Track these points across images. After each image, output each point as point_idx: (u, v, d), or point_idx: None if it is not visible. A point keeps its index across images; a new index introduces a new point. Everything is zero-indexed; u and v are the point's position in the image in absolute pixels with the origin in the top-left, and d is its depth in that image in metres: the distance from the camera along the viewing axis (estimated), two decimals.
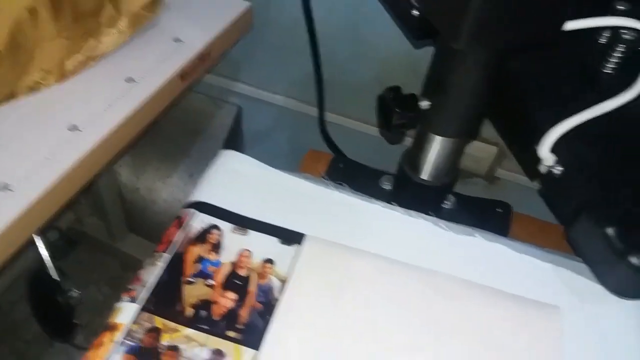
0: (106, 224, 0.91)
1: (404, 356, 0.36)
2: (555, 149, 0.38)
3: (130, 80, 0.52)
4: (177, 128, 0.88)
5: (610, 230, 0.35)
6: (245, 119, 0.85)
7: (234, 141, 0.87)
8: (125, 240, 0.90)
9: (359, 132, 0.74)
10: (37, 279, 0.63)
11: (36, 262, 0.63)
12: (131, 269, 0.40)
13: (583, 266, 0.42)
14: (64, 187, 0.44)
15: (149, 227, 0.86)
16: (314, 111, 0.72)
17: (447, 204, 0.53)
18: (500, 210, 0.55)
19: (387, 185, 0.55)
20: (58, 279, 0.62)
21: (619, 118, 0.39)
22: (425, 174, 0.47)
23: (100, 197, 0.86)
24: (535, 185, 0.41)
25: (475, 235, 0.43)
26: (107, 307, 0.38)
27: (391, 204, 0.45)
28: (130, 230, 0.91)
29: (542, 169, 0.39)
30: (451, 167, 0.47)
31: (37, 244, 0.58)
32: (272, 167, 0.48)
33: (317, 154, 0.63)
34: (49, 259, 0.60)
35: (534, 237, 0.45)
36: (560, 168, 0.38)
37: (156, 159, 0.90)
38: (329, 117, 0.72)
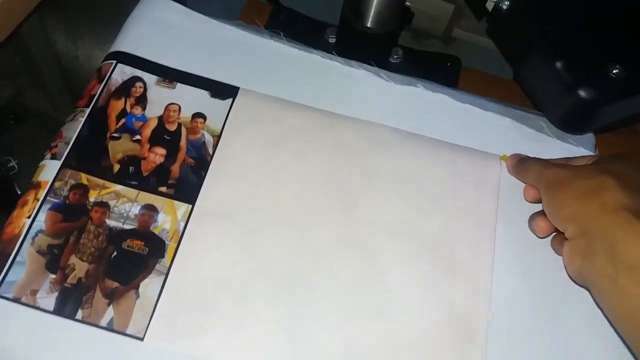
0: (48, 97, 0.85)
1: (336, 202, 0.36)
2: None
3: None
4: None
5: (559, 64, 0.34)
6: None
7: None
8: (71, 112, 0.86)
9: None
10: None
11: None
12: None
13: (527, 115, 0.41)
14: None
15: None
16: None
17: (395, 58, 0.51)
18: (449, 64, 0.53)
19: (332, 38, 0.52)
20: None
21: None
22: (370, 20, 0.44)
23: (38, 67, 0.80)
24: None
25: (418, 86, 0.41)
26: None
27: (331, 53, 0.43)
28: (75, 101, 0.87)
29: (489, 5, 0.37)
30: (397, 11, 0.44)
31: None
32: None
33: (258, 4, 0.58)
34: None
35: (483, 91, 0.44)
36: (507, 2, 0.36)
37: (91, 24, 0.83)
38: None
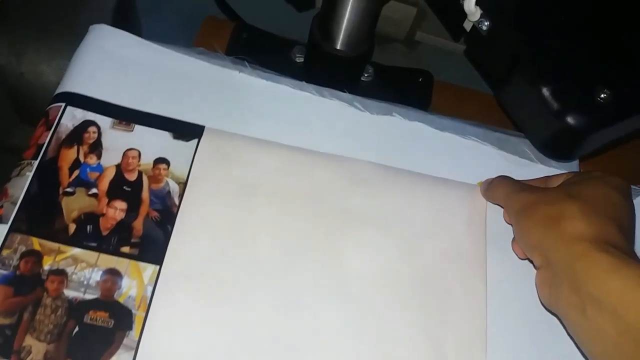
0: None
1: (317, 250, 0.34)
2: (481, 1, 0.34)
3: None
4: (55, 0, 0.74)
5: (544, 89, 0.32)
6: None
7: (125, 11, 0.75)
8: (18, 133, 0.81)
9: None
10: None
11: None
12: None
13: (509, 138, 0.40)
14: None
15: (42, 116, 0.77)
16: None
17: (366, 76, 0.49)
18: (421, 79, 0.52)
19: (299, 58, 0.49)
20: None
21: None
22: (340, 42, 0.41)
23: None
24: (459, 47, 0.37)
25: (394, 115, 0.39)
26: None
27: (300, 79, 0.40)
28: (22, 122, 0.82)
29: (467, 25, 0.35)
30: (368, 34, 0.42)
31: None
32: (167, 41, 0.40)
33: (217, 21, 0.54)
34: None
35: (455, 106, 0.43)
36: (487, 23, 0.34)
37: (36, 37, 0.78)
38: None
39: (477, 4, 0.35)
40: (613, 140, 0.37)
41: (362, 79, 0.49)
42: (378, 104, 0.40)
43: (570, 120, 0.33)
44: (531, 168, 0.40)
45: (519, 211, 0.32)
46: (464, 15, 0.36)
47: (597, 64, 0.34)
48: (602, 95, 0.33)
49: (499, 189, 0.35)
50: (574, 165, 0.40)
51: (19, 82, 0.77)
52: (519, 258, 0.35)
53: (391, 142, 0.39)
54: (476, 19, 0.36)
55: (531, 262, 0.33)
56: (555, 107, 0.33)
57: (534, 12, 0.35)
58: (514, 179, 0.36)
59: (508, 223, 0.36)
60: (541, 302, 0.31)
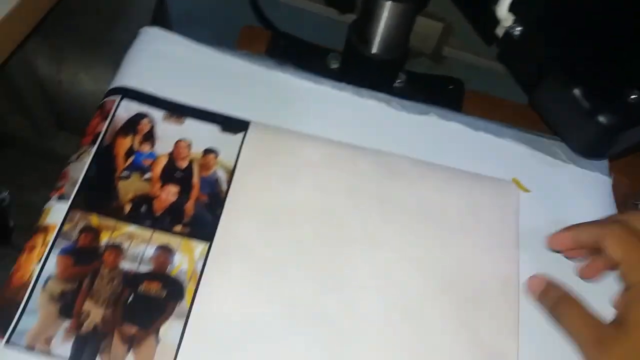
0: (32, 122, 0.86)
1: (356, 236, 0.37)
2: (514, 7, 0.38)
3: None
4: (94, 12, 0.81)
5: (577, 91, 0.36)
6: None
7: (161, 22, 0.81)
8: (55, 139, 0.86)
9: (298, 9, 0.70)
10: None
11: None
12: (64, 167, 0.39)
13: (541, 140, 0.43)
14: None
15: (79, 123, 0.83)
16: None
17: (398, 82, 0.53)
18: (452, 87, 0.55)
19: (334, 64, 0.54)
20: None
21: None
22: (376, 46, 0.46)
23: (20, 92, 0.81)
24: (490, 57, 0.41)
25: (430, 114, 0.43)
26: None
27: (341, 82, 0.44)
28: (60, 129, 0.87)
29: (500, 31, 0.39)
30: (402, 39, 0.46)
31: None
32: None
33: (254, 30, 0.59)
34: None
35: (485, 114, 0.46)
36: (519, 28, 0.38)
37: (75, 47, 0.84)
38: None
39: (509, 10, 0.39)
40: None
41: (395, 84, 0.53)
42: (414, 104, 0.44)
43: (601, 119, 0.37)
44: (563, 168, 0.43)
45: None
46: (496, 21, 0.40)
47: (628, 67, 0.38)
48: (633, 97, 0.37)
49: (566, 314, 0.34)
50: (603, 166, 0.43)
51: (58, 90, 0.83)
52: (552, 251, 0.38)
53: (427, 139, 0.43)
54: (509, 25, 0.40)
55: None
56: (587, 107, 0.37)
57: (565, 17, 0.39)
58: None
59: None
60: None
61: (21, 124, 0.90)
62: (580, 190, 0.42)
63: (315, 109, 0.43)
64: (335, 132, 0.42)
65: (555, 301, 0.35)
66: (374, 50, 0.47)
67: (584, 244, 0.36)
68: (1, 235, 0.65)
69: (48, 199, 0.38)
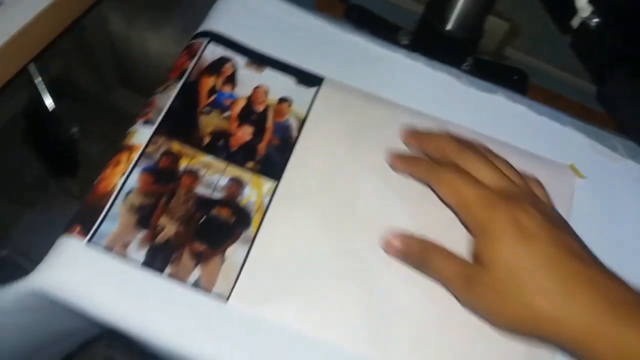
0: (97, 76, 0.90)
1: (413, 195, 0.39)
2: None
3: None
4: None
5: None
6: None
7: None
8: (117, 94, 0.90)
9: None
10: (34, 113, 0.64)
11: (31, 102, 0.63)
12: (123, 124, 0.41)
13: (602, 133, 0.45)
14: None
15: (140, 81, 0.86)
16: None
17: (465, 66, 0.55)
18: (516, 77, 0.57)
19: (404, 40, 0.56)
20: (55, 108, 0.62)
21: None
22: (452, 22, 0.47)
23: (90, 45, 0.85)
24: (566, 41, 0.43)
25: (498, 93, 0.45)
26: (102, 162, 0.40)
27: (414, 52, 0.46)
28: (122, 85, 0.91)
29: (576, 21, 0.40)
30: (479, 18, 0.48)
31: (31, 71, 0.58)
32: None
33: (328, 2, 0.62)
34: (45, 88, 0.59)
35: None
36: (596, 19, 0.39)
37: (148, 7, 0.88)
38: None
39: (589, 1, 0.41)
40: None
41: (462, 67, 0.55)
42: (483, 83, 0.46)
43: None
44: (620, 162, 0.44)
45: None
46: (574, 11, 0.42)
47: None
48: None
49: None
50: None
51: (125, 46, 0.86)
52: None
53: (491, 116, 0.44)
54: (586, 15, 0.41)
55: None
56: None
57: None
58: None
59: None
60: None
61: (87, 76, 0.94)
62: (636, 187, 0.43)
63: (387, 75, 0.46)
64: (403, 98, 0.44)
65: (419, 252, 0.36)
66: (449, 26, 0.49)
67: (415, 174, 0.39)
68: (70, 168, 0.69)
69: (104, 153, 0.40)
